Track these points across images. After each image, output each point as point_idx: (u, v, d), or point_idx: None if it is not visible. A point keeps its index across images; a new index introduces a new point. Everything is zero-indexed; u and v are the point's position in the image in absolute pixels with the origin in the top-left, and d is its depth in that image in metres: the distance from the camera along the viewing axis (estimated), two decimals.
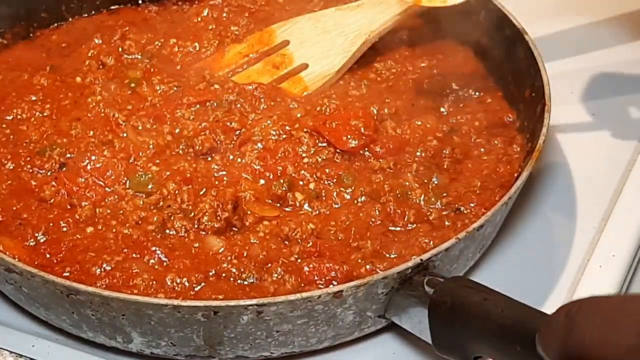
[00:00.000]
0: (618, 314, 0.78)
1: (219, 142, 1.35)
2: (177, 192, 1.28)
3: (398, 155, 1.34)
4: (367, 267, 1.18)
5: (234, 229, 1.25)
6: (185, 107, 1.40)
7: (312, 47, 1.48)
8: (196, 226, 1.25)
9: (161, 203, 1.28)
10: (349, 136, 1.34)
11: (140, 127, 1.38)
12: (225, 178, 1.32)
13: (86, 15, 1.62)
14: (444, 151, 1.34)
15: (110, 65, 1.50)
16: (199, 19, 1.59)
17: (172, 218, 1.25)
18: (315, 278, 1.17)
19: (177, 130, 1.37)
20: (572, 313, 0.81)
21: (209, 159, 1.35)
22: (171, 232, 1.24)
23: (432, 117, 1.40)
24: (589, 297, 0.81)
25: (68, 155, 1.34)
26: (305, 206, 1.28)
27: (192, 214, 1.26)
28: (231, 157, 1.34)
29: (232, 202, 1.26)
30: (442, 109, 1.42)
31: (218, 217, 1.25)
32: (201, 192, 1.29)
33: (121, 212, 1.27)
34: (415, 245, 1.21)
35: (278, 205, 1.29)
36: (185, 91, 1.43)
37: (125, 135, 1.36)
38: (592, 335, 0.79)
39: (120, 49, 1.53)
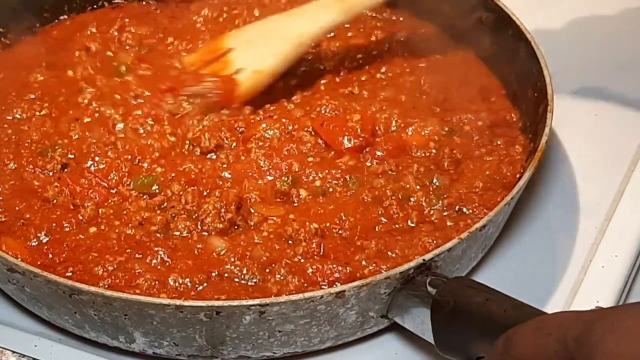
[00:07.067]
0: (546, 325, 0.87)
1: (224, 139, 1.35)
2: (181, 193, 1.28)
3: (399, 157, 1.34)
4: (370, 268, 1.18)
5: (236, 228, 1.25)
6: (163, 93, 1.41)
7: (250, 51, 1.47)
8: (199, 227, 1.25)
9: (165, 204, 1.28)
10: (345, 137, 1.34)
11: (141, 131, 1.38)
12: (229, 176, 1.32)
13: (89, 10, 1.62)
14: (444, 151, 1.34)
15: (96, 52, 1.51)
16: (197, 17, 1.60)
17: (175, 219, 1.25)
18: (319, 279, 1.17)
19: (179, 131, 1.37)
20: (509, 335, 0.90)
21: (214, 157, 1.35)
22: (175, 233, 1.24)
23: (434, 117, 1.39)
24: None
25: (70, 156, 1.34)
26: (311, 202, 1.28)
27: (196, 214, 1.26)
28: (234, 153, 1.34)
29: (236, 203, 1.26)
30: (444, 109, 1.42)
31: (222, 218, 1.24)
32: (205, 193, 1.29)
33: (124, 212, 1.27)
34: (418, 245, 1.20)
35: (282, 200, 1.28)
36: (159, 77, 1.44)
37: (123, 136, 1.36)
38: (526, 348, 0.88)
39: (116, 40, 1.54)
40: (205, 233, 1.24)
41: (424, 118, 1.39)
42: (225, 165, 1.33)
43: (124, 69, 1.47)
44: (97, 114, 1.40)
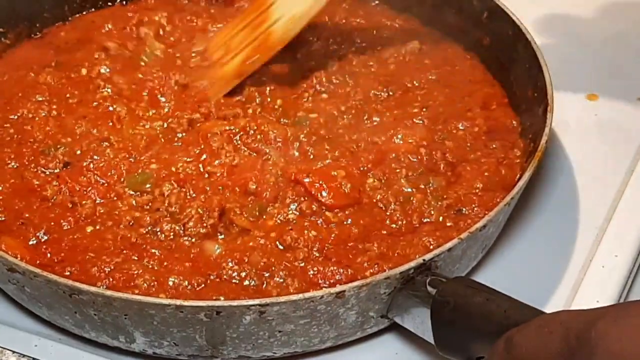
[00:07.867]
0: (547, 323, 0.87)
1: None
2: (166, 194, 1.27)
3: (382, 164, 1.31)
4: (372, 270, 1.16)
5: (220, 235, 1.24)
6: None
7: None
8: (182, 231, 1.23)
9: (150, 205, 1.26)
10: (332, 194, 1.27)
11: (140, 125, 1.38)
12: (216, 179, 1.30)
13: (87, 12, 1.61)
14: (436, 155, 1.33)
15: (115, 50, 1.50)
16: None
17: (160, 221, 1.24)
18: (320, 281, 1.16)
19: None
20: (510, 336, 0.91)
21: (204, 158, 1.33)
22: (161, 236, 1.23)
23: (423, 126, 1.38)
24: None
25: (76, 154, 1.33)
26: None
27: (179, 217, 1.24)
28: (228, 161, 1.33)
29: (219, 209, 1.24)
30: (437, 119, 1.40)
31: (204, 223, 1.23)
32: (188, 197, 1.27)
33: (116, 212, 1.26)
34: (419, 245, 1.20)
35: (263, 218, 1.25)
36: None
37: (119, 127, 1.36)
38: (527, 347, 0.88)
39: (135, 35, 1.53)
40: (188, 237, 1.22)
41: (411, 127, 1.37)
42: (217, 171, 1.31)
43: (146, 59, 1.47)
44: (103, 110, 1.39)
